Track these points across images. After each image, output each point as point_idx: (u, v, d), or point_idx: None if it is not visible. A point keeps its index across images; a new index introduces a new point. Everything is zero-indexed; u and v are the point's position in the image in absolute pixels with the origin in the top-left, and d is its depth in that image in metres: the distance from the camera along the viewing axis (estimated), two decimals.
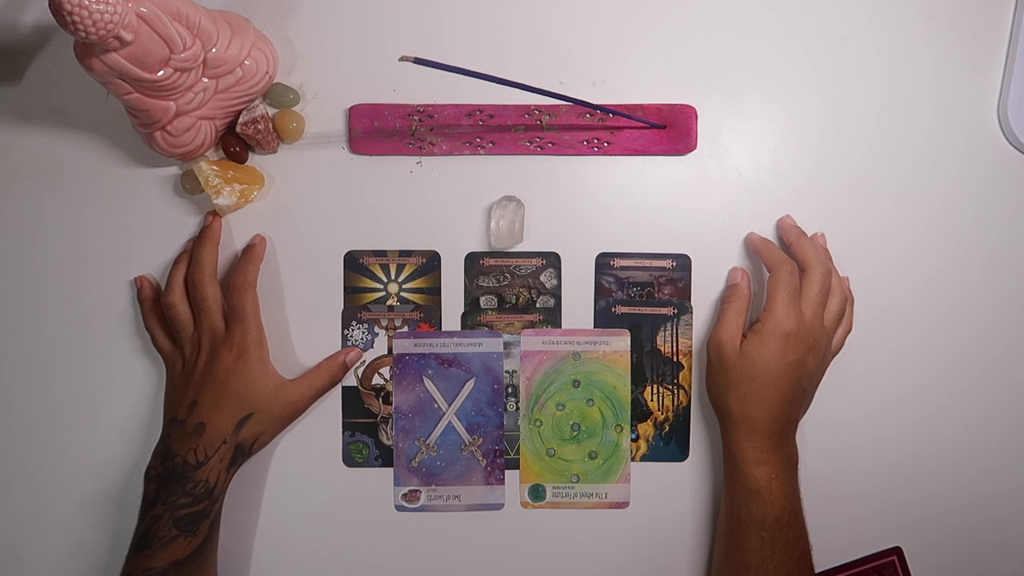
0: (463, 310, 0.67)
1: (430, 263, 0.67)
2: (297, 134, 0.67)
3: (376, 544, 0.67)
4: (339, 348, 0.67)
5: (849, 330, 0.66)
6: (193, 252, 0.65)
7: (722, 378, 0.62)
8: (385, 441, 0.67)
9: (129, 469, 0.67)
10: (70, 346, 0.67)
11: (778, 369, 0.60)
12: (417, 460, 0.67)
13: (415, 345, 0.67)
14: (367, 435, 0.67)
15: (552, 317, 0.67)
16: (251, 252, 0.65)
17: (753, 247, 0.66)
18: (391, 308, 0.67)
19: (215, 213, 0.66)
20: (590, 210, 0.67)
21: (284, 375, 0.65)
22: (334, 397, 0.67)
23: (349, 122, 0.67)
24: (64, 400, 0.67)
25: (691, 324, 0.67)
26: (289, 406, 0.64)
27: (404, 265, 0.67)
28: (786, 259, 0.63)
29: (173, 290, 0.64)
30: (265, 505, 0.67)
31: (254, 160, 0.68)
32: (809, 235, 0.66)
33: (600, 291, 0.67)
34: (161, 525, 0.59)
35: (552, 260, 0.67)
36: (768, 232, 0.67)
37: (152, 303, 0.66)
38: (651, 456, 0.68)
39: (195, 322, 0.64)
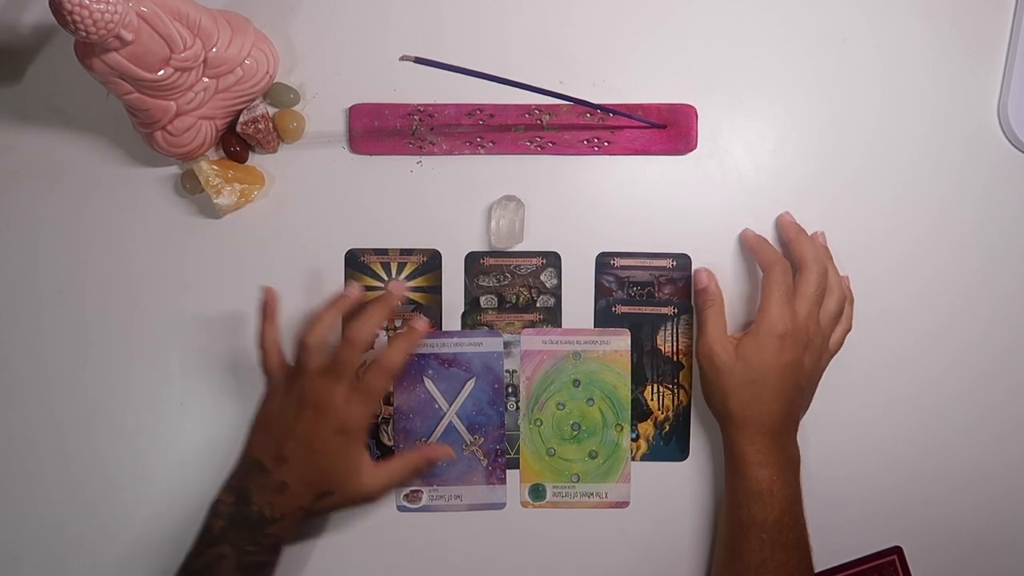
0: (463, 309, 0.67)
1: (431, 261, 0.67)
2: (297, 134, 0.67)
3: (378, 545, 0.67)
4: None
5: (848, 329, 0.66)
6: (369, 313, 0.60)
7: (720, 385, 0.62)
8: (386, 442, 0.67)
9: (127, 469, 0.67)
10: (69, 346, 0.67)
11: (776, 370, 0.60)
12: None
13: None
14: (368, 436, 0.67)
15: (552, 317, 0.67)
16: (411, 336, 0.61)
17: (747, 244, 0.66)
18: None
19: (399, 281, 0.64)
20: (590, 210, 0.67)
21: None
22: None
23: (349, 122, 0.67)
24: (63, 400, 0.67)
25: (691, 323, 0.67)
26: (365, 494, 0.61)
27: (405, 263, 0.67)
28: (779, 258, 0.63)
29: (316, 333, 0.60)
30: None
31: (254, 160, 0.68)
32: (808, 233, 0.66)
33: (600, 291, 0.67)
34: (225, 565, 0.58)
35: (552, 260, 0.67)
36: (767, 232, 0.67)
37: (275, 318, 0.63)
38: (651, 456, 0.68)
39: (320, 374, 0.60)
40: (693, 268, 0.67)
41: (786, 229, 0.65)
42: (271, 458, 0.59)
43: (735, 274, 0.67)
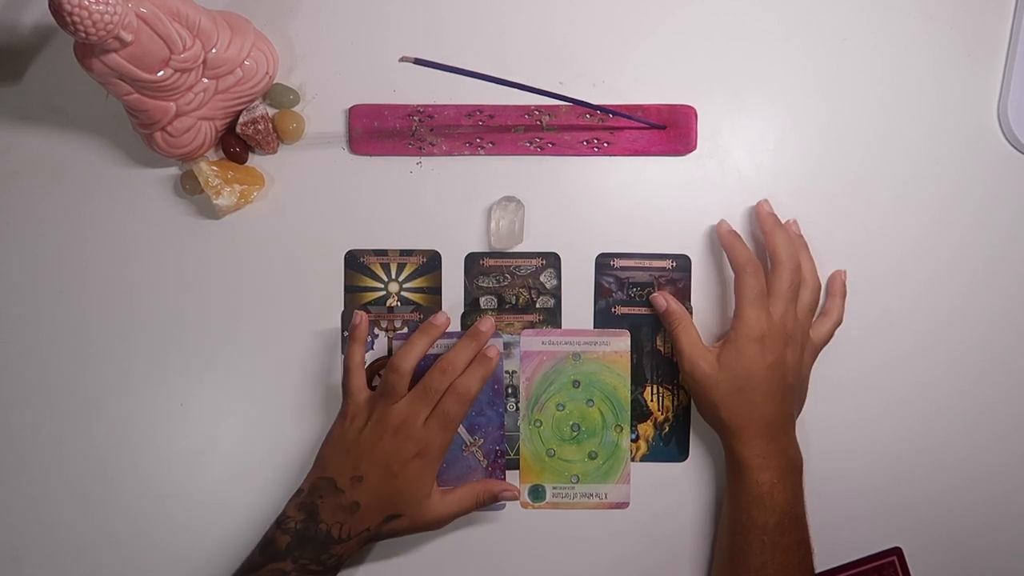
0: (463, 310, 0.67)
1: (431, 262, 0.67)
2: (297, 134, 0.67)
3: (378, 544, 0.67)
4: (339, 350, 0.67)
5: (838, 323, 0.66)
6: (461, 344, 0.63)
7: (708, 398, 0.62)
8: None
9: (127, 469, 0.67)
10: (69, 346, 0.67)
11: (761, 373, 0.60)
12: None
13: None
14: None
15: (552, 317, 0.67)
16: (485, 364, 0.63)
17: (721, 240, 0.65)
18: (391, 309, 0.67)
19: (489, 317, 0.65)
20: (590, 210, 0.67)
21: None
22: (335, 397, 0.67)
23: (349, 122, 0.67)
24: (63, 400, 0.67)
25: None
26: (430, 520, 0.62)
27: (405, 264, 0.67)
28: (750, 259, 0.62)
29: (409, 360, 0.62)
30: (268, 505, 0.67)
31: (254, 160, 0.68)
32: (784, 224, 0.66)
33: (600, 291, 0.67)
34: None
35: (552, 260, 0.67)
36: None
37: (363, 344, 0.64)
38: (651, 456, 0.68)
39: (407, 400, 0.61)
40: (691, 268, 0.67)
41: (762, 220, 0.65)
42: (347, 478, 0.60)
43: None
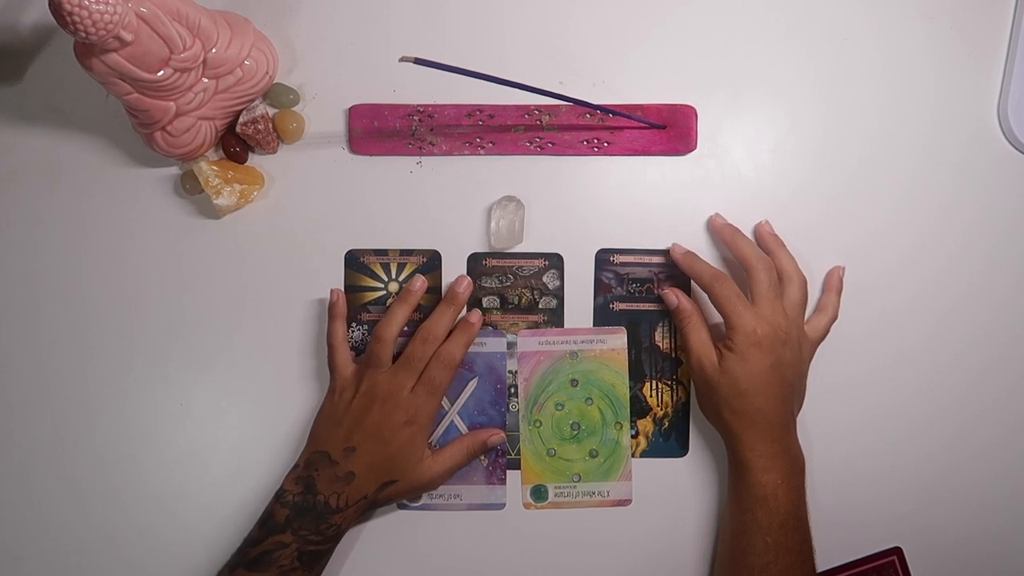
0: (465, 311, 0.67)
1: (431, 262, 0.67)
2: (297, 134, 0.67)
3: (378, 543, 0.67)
4: None
5: (834, 319, 0.66)
6: (439, 310, 0.64)
7: (712, 398, 0.62)
8: None
9: (127, 469, 0.67)
10: (69, 346, 0.67)
11: (762, 375, 0.60)
12: None
13: None
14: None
15: (555, 318, 0.67)
16: (467, 330, 0.65)
17: (678, 263, 0.66)
18: None
19: (464, 276, 0.65)
20: (590, 210, 0.67)
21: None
22: None
23: (349, 122, 0.67)
24: (63, 400, 0.67)
25: None
26: (426, 481, 0.64)
27: (405, 264, 0.67)
28: (714, 273, 0.63)
29: (391, 328, 0.63)
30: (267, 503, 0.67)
31: (254, 160, 0.68)
32: (760, 223, 0.67)
33: (600, 287, 0.67)
34: (285, 554, 0.59)
35: (555, 262, 0.67)
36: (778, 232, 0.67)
37: (343, 319, 0.65)
38: (651, 452, 0.68)
39: (392, 368, 0.63)
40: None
41: (720, 233, 0.66)
42: (340, 450, 0.62)
43: (736, 272, 0.67)
